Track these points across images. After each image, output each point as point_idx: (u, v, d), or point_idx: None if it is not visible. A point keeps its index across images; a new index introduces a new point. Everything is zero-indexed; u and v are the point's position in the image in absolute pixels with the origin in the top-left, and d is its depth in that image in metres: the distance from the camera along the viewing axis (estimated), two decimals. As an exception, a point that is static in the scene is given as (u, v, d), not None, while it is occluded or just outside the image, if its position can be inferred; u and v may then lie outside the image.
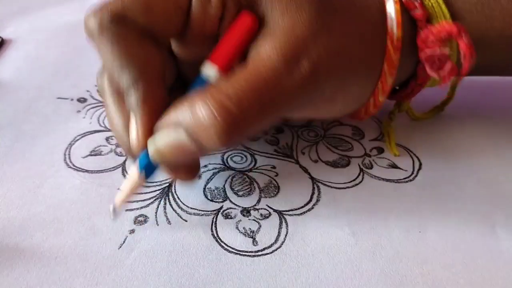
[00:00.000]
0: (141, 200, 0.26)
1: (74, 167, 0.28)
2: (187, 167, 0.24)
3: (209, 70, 0.22)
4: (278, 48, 0.21)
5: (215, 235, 0.25)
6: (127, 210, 0.25)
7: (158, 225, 0.25)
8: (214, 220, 0.25)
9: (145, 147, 0.22)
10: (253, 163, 0.29)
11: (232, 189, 0.27)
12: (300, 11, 0.22)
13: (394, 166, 0.29)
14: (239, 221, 0.25)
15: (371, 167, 0.29)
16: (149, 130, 0.22)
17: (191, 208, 0.26)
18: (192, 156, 0.22)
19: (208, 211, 0.26)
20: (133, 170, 0.23)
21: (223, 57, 0.23)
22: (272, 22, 0.22)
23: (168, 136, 0.21)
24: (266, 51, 0.21)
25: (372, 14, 0.25)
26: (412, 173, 0.29)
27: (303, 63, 0.21)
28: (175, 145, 0.21)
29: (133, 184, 0.23)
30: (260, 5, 0.23)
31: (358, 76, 0.25)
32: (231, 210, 0.26)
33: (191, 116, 0.20)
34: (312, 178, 0.28)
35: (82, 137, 0.30)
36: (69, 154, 0.29)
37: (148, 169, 0.23)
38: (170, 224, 0.25)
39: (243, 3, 0.23)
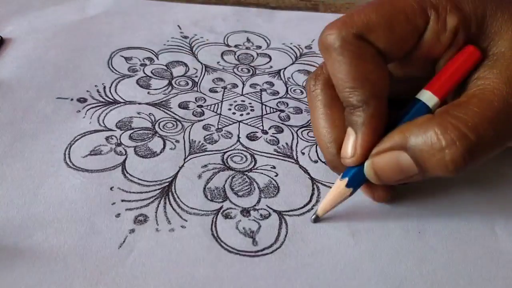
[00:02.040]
0: (141, 200, 0.26)
1: (74, 167, 0.28)
2: (383, 188, 0.26)
3: (430, 100, 0.24)
4: (506, 81, 0.22)
5: (215, 235, 0.25)
6: (127, 209, 0.25)
7: (158, 224, 0.25)
8: (214, 220, 0.25)
9: (360, 164, 0.24)
10: (253, 163, 0.29)
11: (232, 189, 0.27)
12: None
13: (394, 166, 0.29)
14: (239, 221, 0.25)
15: (371, 168, 0.29)
16: (369, 149, 0.24)
17: (191, 208, 0.26)
18: (407, 179, 0.23)
19: (208, 211, 0.26)
20: (340, 183, 0.25)
21: (444, 89, 0.24)
22: (497, 53, 0.23)
23: (390, 157, 0.23)
24: (494, 82, 0.22)
25: None
26: (412, 173, 0.29)
27: None
28: (395, 166, 0.22)
29: (339, 196, 0.25)
30: (486, 36, 0.24)
31: None
32: (231, 210, 0.26)
33: (423, 139, 0.21)
34: (312, 178, 0.28)
35: (82, 136, 0.30)
36: (69, 154, 0.28)
37: (355, 184, 0.24)
38: (170, 224, 0.25)
39: (472, 34, 0.24)
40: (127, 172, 0.28)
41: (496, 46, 0.23)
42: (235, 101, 0.34)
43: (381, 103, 0.24)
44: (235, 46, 0.41)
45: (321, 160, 0.30)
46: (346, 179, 0.24)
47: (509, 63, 0.22)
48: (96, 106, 0.32)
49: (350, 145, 0.24)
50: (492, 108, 0.21)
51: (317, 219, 0.26)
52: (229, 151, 0.30)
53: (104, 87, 0.34)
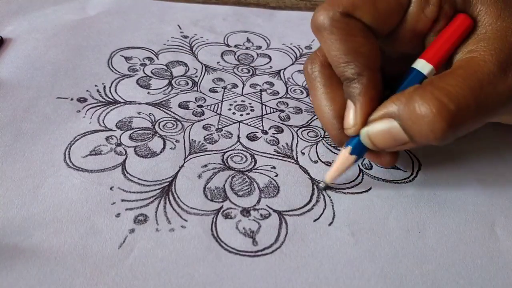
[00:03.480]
0: (141, 200, 0.26)
1: (74, 167, 0.28)
2: (389, 153, 0.27)
3: (424, 68, 0.25)
4: (493, 53, 0.22)
5: (215, 235, 0.25)
6: (127, 209, 0.25)
7: (158, 224, 0.25)
8: (214, 220, 0.25)
9: (359, 132, 0.25)
10: (253, 163, 0.29)
11: (232, 189, 0.27)
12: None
13: (393, 166, 0.29)
14: (239, 221, 0.25)
15: (371, 168, 0.29)
16: (366, 118, 0.25)
17: (191, 208, 0.26)
18: (401, 146, 0.24)
19: (208, 211, 0.26)
20: (345, 151, 0.26)
21: (437, 56, 0.25)
22: (484, 25, 0.24)
23: (382, 125, 0.24)
24: (480, 55, 0.23)
25: None
26: (412, 173, 0.29)
27: None
28: (387, 134, 0.24)
29: (345, 163, 0.26)
30: (473, 8, 0.24)
31: None
32: (231, 210, 0.26)
33: (407, 109, 0.22)
34: (312, 178, 0.28)
35: (82, 136, 0.30)
36: (69, 154, 0.28)
37: (358, 151, 0.26)
38: (170, 223, 0.25)
39: (458, 7, 0.25)
40: (127, 172, 0.28)
41: (483, 17, 0.24)
42: (235, 101, 0.34)
43: (375, 74, 0.25)
44: (235, 46, 0.41)
45: (321, 160, 0.30)
46: (350, 147, 0.26)
47: (496, 34, 0.23)
48: (96, 106, 0.32)
49: (351, 116, 0.25)
50: (476, 79, 0.22)
51: (326, 187, 0.27)
52: (229, 151, 0.30)
53: (104, 87, 0.34)
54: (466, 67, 0.23)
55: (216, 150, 0.30)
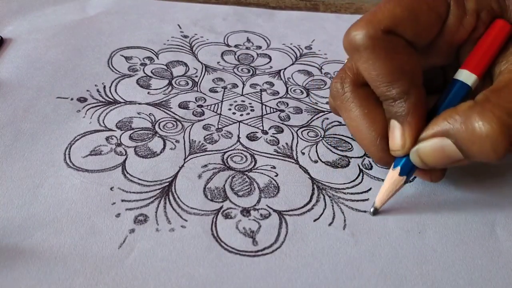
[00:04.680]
0: (141, 200, 0.26)
1: (74, 167, 0.28)
2: (438, 170, 0.26)
3: (468, 79, 0.24)
4: None
5: (215, 235, 0.25)
6: (127, 209, 0.25)
7: (158, 224, 0.25)
8: (214, 220, 0.25)
9: (408, 153, 0.24)
10: (253, 163, 0.29)
11: (232, 189, 0.27)
12: None
13: (393, 166, 0.29)
14: (239, 221, 0.25)
15: (371, 168, 0.29)
16: (416, 137, 0.24)
17: (191, 208, 0.26)
18: (454, 163, 0.23)
19: (208, 211, 0.26)
20: (393, 173, 0.25)
21: (481, 65, 0.24)
22: None
23: (435, 144, 0.23)
24: None
25: None
26: (412, 173, 0.29)
27: None
28: (440, 152, 0.23)
29: (394, 185, 0.25)
30: (511, 14, 0.24)
31: None
32: (231, 210, 0.26)
33: (466, 129, 0.21)
34: (312, 178, 0.28)
35: (82, 136, 0.30)
36: (69, 154, 0.28)
37: (407, 171, 0.25)
38: (170, 223, 0.25)
39: (496, 13, 0.24)
40: (127, 172, 0.28)
41: None
42: (235, 101, 0.34)
43: (420, 91, 0.24)
44: (235, 46, 0.41)
45: (321, 160, 0.30)
46: (399, 168, 0.25)
47: None
48: (96, 106, 0.32)
49: (398, 137, 0.24)
50: None
51: (376, 212, 0.26)
52: (229, 151, 0.30)
53: (104, 87, 0.34)
54: None
55: (216, 150, 0.30)
